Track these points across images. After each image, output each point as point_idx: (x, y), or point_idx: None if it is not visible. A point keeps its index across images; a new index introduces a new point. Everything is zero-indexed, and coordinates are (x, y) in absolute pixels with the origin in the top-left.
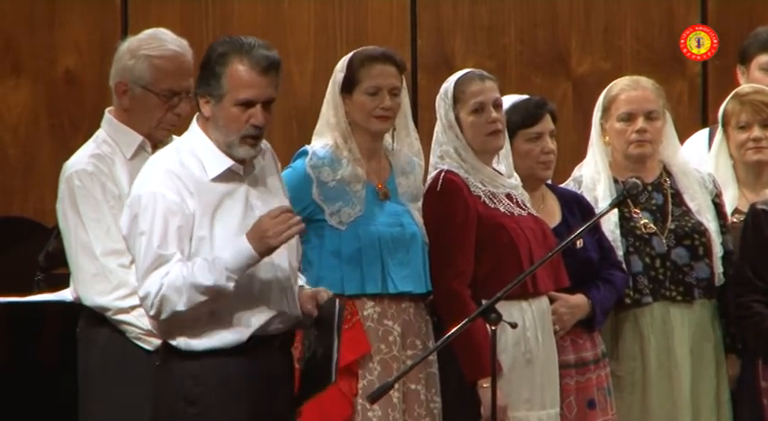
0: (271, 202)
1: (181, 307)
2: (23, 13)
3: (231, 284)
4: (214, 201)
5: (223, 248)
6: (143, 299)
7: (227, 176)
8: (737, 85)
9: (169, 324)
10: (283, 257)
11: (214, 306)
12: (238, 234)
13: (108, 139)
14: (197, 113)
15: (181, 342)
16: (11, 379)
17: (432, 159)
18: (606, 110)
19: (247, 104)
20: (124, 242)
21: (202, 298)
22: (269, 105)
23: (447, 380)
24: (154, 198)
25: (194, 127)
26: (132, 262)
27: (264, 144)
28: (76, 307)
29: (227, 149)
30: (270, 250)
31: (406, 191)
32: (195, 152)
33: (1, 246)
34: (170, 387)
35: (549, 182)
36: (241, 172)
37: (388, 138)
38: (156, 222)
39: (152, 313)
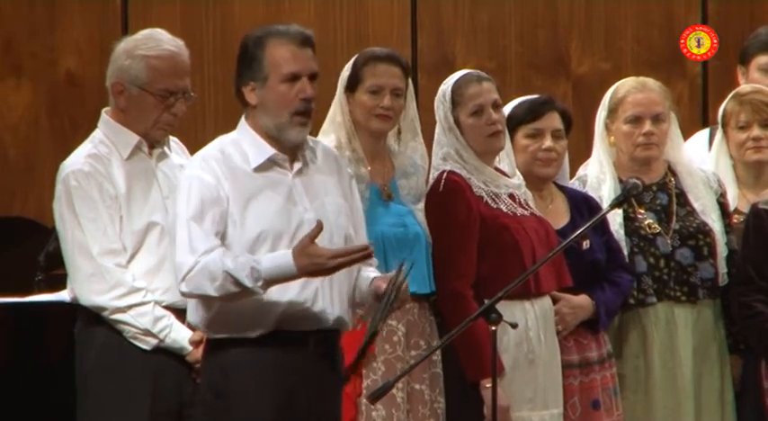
0: (323, 202)
1: (212, 292)
2: (24, 13)
3: (263, 291)
4: (251, 189)
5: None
6: (178, 271)
7: (270, 168)
8: (738, 85)
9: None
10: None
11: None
12: (270, 226)
13: (105, 140)
14: (244, 113)
15: (210, 333)
16: (10, 379)
17: (434, 161)
18: (612, 111)
19: (294, 78)
20: (120, 242)
21: (235, 289)
22: (314, 80)
23: (450, 380)
24: (190, 181)
25: (241, 123)
26: (128, 261)
27: (325, 147)
28: (75, 307)
29: (277, 134)
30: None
31: (409, 192)
32: (240, 144)
33: (1, 246)
34: (203, 378)
35: (563, 183)
36: (287, 164)
37: (393, 140)
38: (191, 203)
39: (183, 289)
